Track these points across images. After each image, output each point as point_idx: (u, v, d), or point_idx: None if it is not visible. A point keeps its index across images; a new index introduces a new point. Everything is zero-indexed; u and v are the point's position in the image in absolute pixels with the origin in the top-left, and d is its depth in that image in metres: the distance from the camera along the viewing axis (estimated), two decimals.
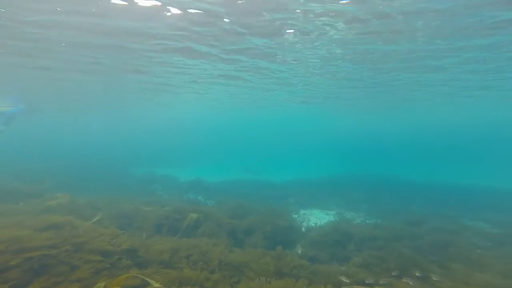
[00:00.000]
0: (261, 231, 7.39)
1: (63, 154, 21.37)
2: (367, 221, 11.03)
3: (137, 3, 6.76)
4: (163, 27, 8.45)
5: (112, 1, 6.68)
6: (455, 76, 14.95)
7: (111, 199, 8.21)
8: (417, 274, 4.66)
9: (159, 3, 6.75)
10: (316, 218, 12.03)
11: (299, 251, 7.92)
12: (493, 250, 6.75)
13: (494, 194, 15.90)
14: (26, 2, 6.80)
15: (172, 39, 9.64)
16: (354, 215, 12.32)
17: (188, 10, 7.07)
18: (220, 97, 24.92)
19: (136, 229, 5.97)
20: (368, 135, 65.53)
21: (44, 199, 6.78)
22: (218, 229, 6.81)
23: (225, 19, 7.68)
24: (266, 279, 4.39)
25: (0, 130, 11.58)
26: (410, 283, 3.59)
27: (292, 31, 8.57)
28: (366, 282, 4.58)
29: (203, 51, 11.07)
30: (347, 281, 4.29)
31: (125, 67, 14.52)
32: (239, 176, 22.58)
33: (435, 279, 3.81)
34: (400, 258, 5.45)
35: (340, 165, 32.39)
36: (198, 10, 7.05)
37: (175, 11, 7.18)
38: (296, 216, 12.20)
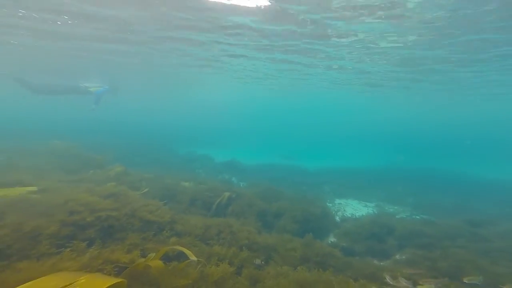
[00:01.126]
0: (291, 216, 7.32)
1: (122, 131, 24.66)
2: (413, 216, 9.91)
3: None
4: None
5: None
6: None
7: (156, 173, 9.20)
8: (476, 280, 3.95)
9: None
10: (352, 209, 11.36)
11: (331, 241, 7.67)
12: None
13: None
14: None
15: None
16: (398, 209, 11.19)
17: None
18: (262, 80, 24.53)
19: (176, 202, 6.58)
20: (418, 127, 57.28)
21: (106, 169, 8.02)
22: (248, 209, 7.01)
23: None
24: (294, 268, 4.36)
25: (91, 108, 13.58)
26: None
27: None
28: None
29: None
30: (391, 282, 3.88)
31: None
32: (274, 161, 22.66)
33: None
34: (455, 259, 4.72)
35: (385, 157, 29.44)
36: None
37: None
38: (330, 205, 11.74)
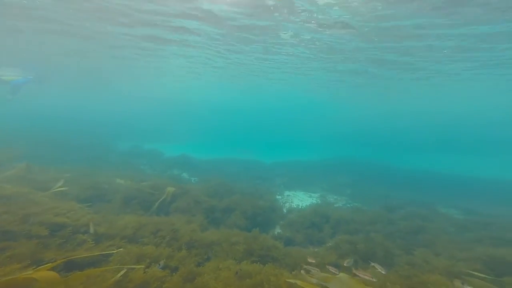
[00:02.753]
0: (241, 211, 7.29)
1: (54, 127, 20.41)
2: (348, 205, 11.22)
3: None
4: None
5: None
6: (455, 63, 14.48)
7: (85, 171, 7.86)
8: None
9: None
10: (299, 200, 12.14)
11: (277, 232, 7.99)
12: (458, 235, 6.97)
13: (470, 183, 16.50)
14: None
15: None
16: (337, 198, 12.51)
17: None
18: (214, 74, 23.77)
19: (106, 202, 5.71)
20: (361, 122, 65.71)
21: (5, 169, 6.38)
22: (195, 206, 6.65)
23: None
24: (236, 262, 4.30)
25: (8, 99, 11.92)
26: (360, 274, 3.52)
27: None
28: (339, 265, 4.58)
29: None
30: (313, 261, 4.23)
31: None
32: (229, 156, 22.43)
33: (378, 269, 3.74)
34: (370, 243, 5.47)
35: (331, 150, 32.65)
36: None
37: None
38: (279, 197, 12.30)
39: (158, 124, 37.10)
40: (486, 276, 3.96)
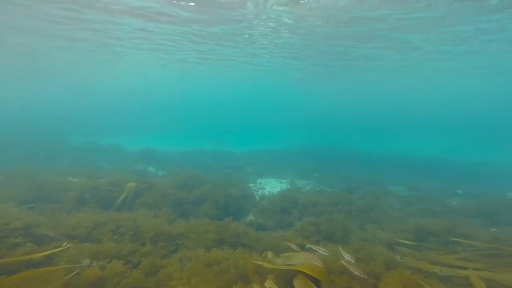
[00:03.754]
0: (212, 202, 7.19)
1: None
2: (315, 188, 11.93)
3: None
4: None
5: None
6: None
7: (29, 171, 6.83)
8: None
9: None
10: (271, 186, 12.49)
11: (249, 219, 8.12)
12: (401, 210, 8.04)
13: (417, 162, 18.92)
14: None
15: None
16: (305, 183, 13.19)
17: None
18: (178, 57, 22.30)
19: (54, 202, 5.08)
20: (328, 108, 68.89)
21: None
22: (162, 200, 6.35)
23: None
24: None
25: None
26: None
27: None
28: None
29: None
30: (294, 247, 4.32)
31: None
32: (199, 147, 21.80)
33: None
34: (331, 223, 5.93)
35: (300, 137, 34.02)
36: None
37: None
38: (252, 185, 12.47)
39: (117, 118, 34.01)
40: (412, 243, 4.70)
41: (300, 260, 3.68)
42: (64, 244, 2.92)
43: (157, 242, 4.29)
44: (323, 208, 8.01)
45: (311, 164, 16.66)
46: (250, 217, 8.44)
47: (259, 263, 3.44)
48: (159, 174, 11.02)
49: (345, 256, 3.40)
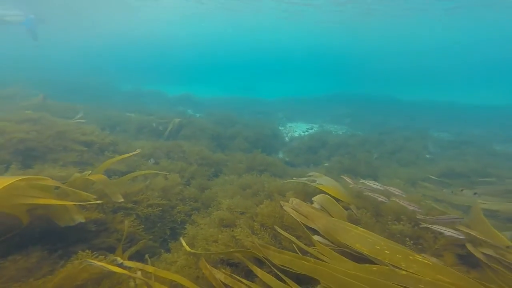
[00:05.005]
0: (243, 137, 7.91)
1: (52, 68, 19.83)
2: (347, 133, 11.77)
3: None
4: None
5: None
6: None
7: (96, 107, 8.28)
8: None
9: None
10: (301, 130, 12.72)
11: (279, 157, 8.83)
12: (439, 154, 7.64)
13: (465, 109, 16.49)
14: None
15: None
16: (337, 128, 13.02)
17: None
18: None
19: (120, 131, 6.32)
20: (360, 55, 59.39)
21: (24, 100, 6.81)
22: (201, 133, 7.26)
23: None
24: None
25: (34, 45, 11.94)
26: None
27: None
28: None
29: None
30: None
31: None
32: (231, 94, 22.13)
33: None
34: (354, 162, 6.14)
35: (333, 84, 31.37)
36: None
37: None
38: (282, 128, 12.85)
39: (153, 67, 35.27)
40: (437, 180, 4.72)
41: (322, 181, 4.11)
42: (137, 150, 3.88)
43: (201, 166, 5.21)
44: (351, 149, 8.16)
45: (345, 110, 15.88)
46: (280, 155, 9.15)
47: (284, 181, 4.05)
48: (197, 116, 12.05)
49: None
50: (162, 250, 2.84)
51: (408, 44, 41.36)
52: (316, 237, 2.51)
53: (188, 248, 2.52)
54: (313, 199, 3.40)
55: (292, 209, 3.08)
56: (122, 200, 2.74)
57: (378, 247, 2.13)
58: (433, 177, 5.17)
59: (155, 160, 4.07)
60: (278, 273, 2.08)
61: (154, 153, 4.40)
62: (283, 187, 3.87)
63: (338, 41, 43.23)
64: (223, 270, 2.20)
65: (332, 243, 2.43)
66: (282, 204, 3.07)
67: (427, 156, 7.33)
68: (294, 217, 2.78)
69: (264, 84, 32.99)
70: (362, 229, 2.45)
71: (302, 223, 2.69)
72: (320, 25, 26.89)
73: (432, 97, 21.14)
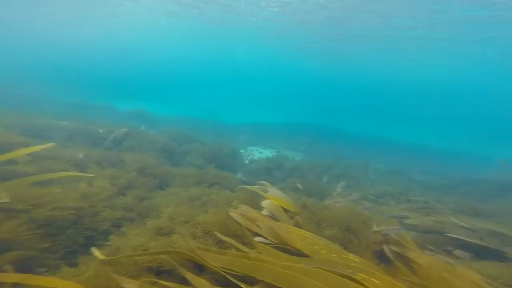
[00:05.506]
0: (199, 153, 7.46)
1: None
2: (302, 159, 12.44)
3: None
4: None
5: None
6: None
7: (18, 114, 6.82)
8: None
9: None
10: (260, 154, 12.89)
11: (238, 177, 8.55)
12: (375, 180, 8.91)
13: (400, 145, 19.64)
14: None
15: None
16: (293, 154, 13.72)
17: None
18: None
19: (44, 138, 5.21)
20: (318, 88, 66.56)
21: None
22: (150, 145, 6.56)
23: None
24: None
25: None
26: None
27: None
28: None
29: None
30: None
31: None
32: (193, 115, 21.71)
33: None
34: (306, 183, 6.48)
35: (295, 113, 34.10)
36: None
37: None
38: (243, 151, 12.87)
39: (106, 79, 32.79)
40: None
41: (273, 191, 4.08)
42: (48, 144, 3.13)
43: (143, 176, 4.57)
44: (304, 172, 8.67)
45: (301, 139, 16.99)
46: (238, 175, 8.88)
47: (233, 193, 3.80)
48: (150, 132, 11.13)
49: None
50: (62, 263, 2.11)
51: (358, 81, 48.14)
52: (258, 238, 2.39)
53: (100, 256, 1.95)
54: (262, 204, 3.38)
55: (240, 215, 2.87)
56: (6, 200, 2.03)
57: (316, 247, 2.26)
58: (370, 196, 5.99)
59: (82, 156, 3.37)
60: (224, 274, 1.77)
61: (80, 159, 3.66)
62: (233, 197, 3.64)
63: (301, 73, 47.89)
64: (144, 278, 1.73)
65: (276, 243, 2.37)
66: (229, 211, 2.80)
67: (367, 181, 8.35)
68: (240, 222, 2.55)
69: (228, 108, 33.66)
70: (304, 231, 2.55)
71: (247, 228, 2.46)
72: (285, 57, 29.73)
73: (376, 133, 24.58)
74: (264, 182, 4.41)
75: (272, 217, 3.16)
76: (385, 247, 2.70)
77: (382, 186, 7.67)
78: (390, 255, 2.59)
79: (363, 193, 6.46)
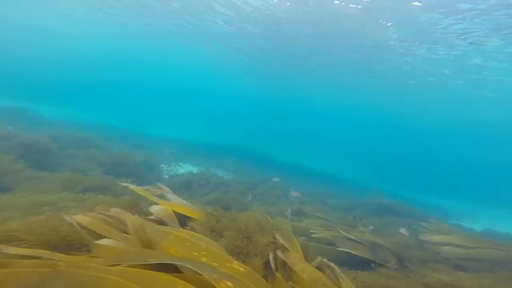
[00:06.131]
0: (91, 157, 5.75)
1: None
2: (230, 177, 12.02)
3: None
4: None
5: None
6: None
7: None
8: None
9: None
10: (185, 170, 11.61)
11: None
12: (294, 199, 9.63)
13: (318, 174, 22.20)
14: None
15: None
16: (222, 173, 13.16)
17: None
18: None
19: None
20: (262, 113, 69.06)
21: None
22: (3, 143, 4.50)
23: None
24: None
25: None
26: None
27: None
28: None
29: None
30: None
31: None
32: (109, 122, 18.23)
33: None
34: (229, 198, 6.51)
35: (228, 134, 34.22)
36: None
37: None
38: (164, 165, 11.29)
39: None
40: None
41: (171, 197, 3.44)
42: None
43: None
44: (228, 188, 8.50)
45: (232, 159, 16.67)
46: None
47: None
48: (23, 133, 8.09)
49: None
50: None
51: (292, 107, 52.05)
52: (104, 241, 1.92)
53: None
54: (151, 209, 2.92)
55: (98, 219, 2.06)
56: None
57: (196, 253, 1.91)
58: (287, 213, 6.20)
59: None
60: None
61: None
62: (112, 203, 2.74)
63: (238, 94, 48.75)
64: None
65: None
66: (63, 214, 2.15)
67: (286, 200, 8.84)
68: (87, 226, 2.02)
69: (156, 121, 30.40)
70: (188, 236, 2.15)
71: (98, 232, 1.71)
72: (220, 77, 29.73)
73: (301, 161, 26.94)
74: (163, 187, 3.72)
75: (160, 223, 2.69)
76: (270, 256, 2.58)
77: (299, 205, 8.41)
78: (273, 265, 2.48)
79: (280, 209, 6.53)
